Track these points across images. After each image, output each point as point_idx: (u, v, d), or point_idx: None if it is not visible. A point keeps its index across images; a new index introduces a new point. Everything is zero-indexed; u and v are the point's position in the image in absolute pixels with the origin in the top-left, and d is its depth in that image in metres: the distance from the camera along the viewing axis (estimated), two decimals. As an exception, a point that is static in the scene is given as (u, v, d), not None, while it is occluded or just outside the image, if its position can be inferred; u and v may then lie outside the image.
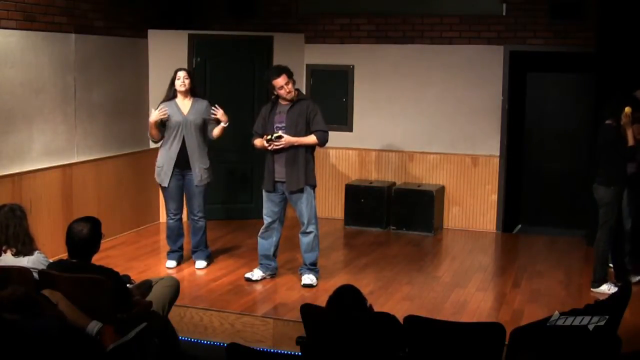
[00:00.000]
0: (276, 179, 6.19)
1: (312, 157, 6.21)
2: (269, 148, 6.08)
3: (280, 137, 5.99)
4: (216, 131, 6.51)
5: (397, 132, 8.70)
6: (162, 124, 6.45)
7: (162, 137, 6.52)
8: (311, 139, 6.10)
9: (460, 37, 8.40)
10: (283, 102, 6.15)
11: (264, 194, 6.32)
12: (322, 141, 6.16)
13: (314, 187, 6.23)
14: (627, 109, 5.93)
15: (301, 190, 6.13)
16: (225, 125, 6.47)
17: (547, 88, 9.16)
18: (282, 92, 6.06)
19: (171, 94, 6.50)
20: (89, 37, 7.33)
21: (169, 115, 6.42)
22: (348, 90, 8.81)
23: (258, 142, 6.22)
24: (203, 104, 6.56)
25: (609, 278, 6.27)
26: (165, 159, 6.50)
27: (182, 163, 6.47)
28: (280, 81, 6.01)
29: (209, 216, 8.27)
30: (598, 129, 6.32)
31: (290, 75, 6.07)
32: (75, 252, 4.34)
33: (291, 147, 6.06)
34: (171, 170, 6.48)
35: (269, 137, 6.02)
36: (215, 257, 7.06)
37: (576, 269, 7.00)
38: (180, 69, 6.55)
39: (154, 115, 6.41)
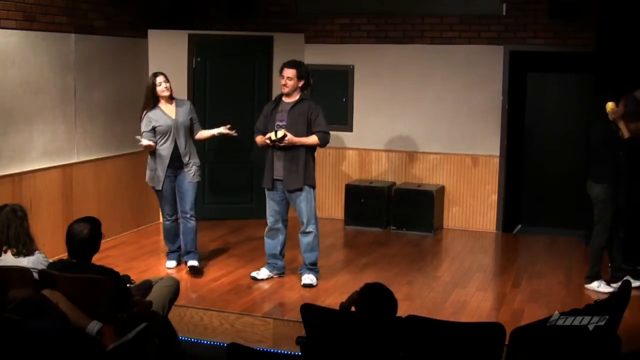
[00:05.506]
0: (275, 177, 6.20)
1: (312, 157, 6.22)
2: (272, 146, 6.11)
3: (284, 137, 5.99)
4: (206, 134, 6.60)
5: (397, 132, 8.70)
6: (153, 132, 6.38)
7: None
8: (312, 139, 6.11)
9: (460, 37, 8.40)
10: (286, 100, 6.16)
11: (266, 193, 6.32)
12: (323, 142, 6.17)
13: (313, 187, 6.23)
14: (608, 104, 5.96)
15: (300, 190, 6.14)
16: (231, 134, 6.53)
17: (547, 88, 9.16)
18: (281, 81, 6.13)
19: (154, 101, 6.39)
20: (89, 37, 7.33)
21: (154, 123, 6.35)
22: (348, 90, 8.81)
23: (259, 139, 6.22)
24: (187, 104, 6.58)
25: (602, 276, 6.28)
26: (157, 162, 6.45)
27: (174, 164, 6.45)
28: (286, 72, 6.08)
29: (209, 216, 8.27)
30: (588, 129, 6.33)
31: (299, 75, 6.08)
32: (75, 252, 4.34)
33: (292, 147, 6.07)
34: (164, 173, 6.45)
35: (272, 137, 6.03)
36: (215, 257, 7.06)
37: (576, 269, 6.99)
38: (157, 74, 6.43)
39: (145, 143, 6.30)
